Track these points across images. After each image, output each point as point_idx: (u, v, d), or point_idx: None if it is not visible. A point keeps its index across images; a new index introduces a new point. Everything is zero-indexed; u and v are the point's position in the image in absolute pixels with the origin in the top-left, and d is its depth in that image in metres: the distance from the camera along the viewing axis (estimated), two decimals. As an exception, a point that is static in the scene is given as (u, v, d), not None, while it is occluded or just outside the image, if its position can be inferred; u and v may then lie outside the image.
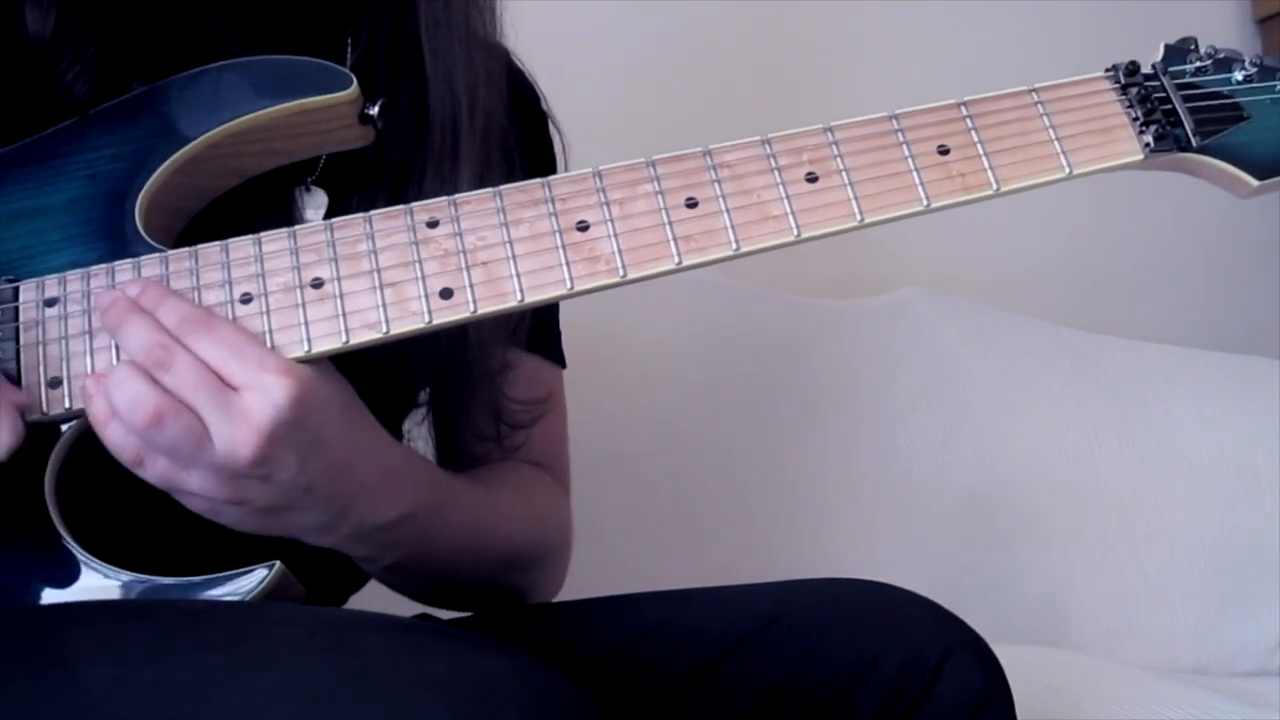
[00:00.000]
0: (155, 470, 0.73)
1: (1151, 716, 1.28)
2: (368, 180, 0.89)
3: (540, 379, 1.01)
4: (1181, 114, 0.81)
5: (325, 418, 0.74)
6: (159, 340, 0.72)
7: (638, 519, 1.48)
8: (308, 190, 0.89)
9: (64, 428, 0.76)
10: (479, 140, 0.91)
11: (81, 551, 0.75)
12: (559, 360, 1.04)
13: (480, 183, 0.84)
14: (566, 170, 1.02)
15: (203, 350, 0.72)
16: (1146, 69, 0.83)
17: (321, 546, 0.81)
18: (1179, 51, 0.83)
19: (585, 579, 1.03)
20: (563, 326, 1.05)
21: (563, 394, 1.05)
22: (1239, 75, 0.82)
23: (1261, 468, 1.79)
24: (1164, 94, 0.82)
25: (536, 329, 1.00)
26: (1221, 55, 0.83)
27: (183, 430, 0.70)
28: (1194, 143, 0.81)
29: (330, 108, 0.81)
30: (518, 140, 0.96)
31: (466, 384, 0.94)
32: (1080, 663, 1.45)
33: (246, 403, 0.71)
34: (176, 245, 0.81)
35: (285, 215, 0.86)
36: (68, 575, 0.75)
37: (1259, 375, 1.91)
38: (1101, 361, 1.84)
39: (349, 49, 0.91)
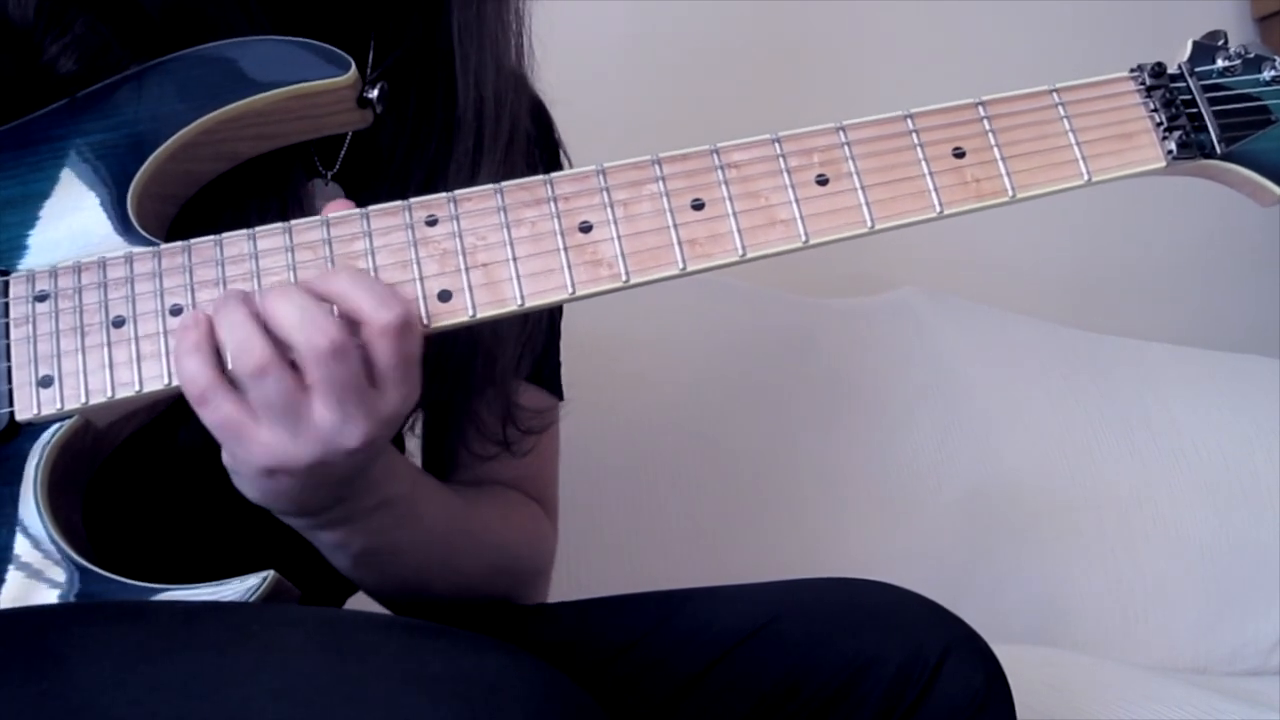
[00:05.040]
0: (221, 412, 0.71)
1: (1151, 716, 1.28)
2: (394, 180, 0.88)
3: (539, 408, 1.00)
4: (1207, 118, 0.78)
5: None
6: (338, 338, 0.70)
7: (636, 518, 1.47)
8: (326, 184, 0.89)
9: (56, 427, 0.75)
10: (505, 144, 0.91)
11: (74, 554, 0.74)
12: (558, 392, 1.03)
13: None
14: None
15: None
16: (1173, 69, 0.80)
17: (293, 528, 0.80)
18: (1206, 49, 0.80)
19: (585, 579, 1.03)
20: (563, 324, 1.04)
21: (558, 427, 1.04)
22: (1267, 75, 0.79)
23: (1261, 467, 1.78)
24: (1190, 96, 0.79)
25: (538, 360, 0.99)
26: (1252, 54, 0.79)
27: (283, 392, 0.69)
28: (1219, 150, 0.78)
29: (329, 92, 0.79)
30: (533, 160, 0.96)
31: (480, 389, 0.93)
32: (1080, 662, 1.44)
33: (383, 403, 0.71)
34: (171, 229, 0.80)
35: (295, 205, 0.86)
36: (59, 578, 0.73)
37: (1259, 375, 1.91)
38: (1101, 361, 1.84)
39: (371, 48, 0.90)
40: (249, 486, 0.74)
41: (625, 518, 1.46)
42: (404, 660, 0.61)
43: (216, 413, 0.70)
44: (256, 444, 0.70)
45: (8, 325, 0.76)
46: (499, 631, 0.84)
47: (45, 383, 0.75)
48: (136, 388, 0.74)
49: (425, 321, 0.75)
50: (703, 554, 1.47)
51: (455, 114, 0.89)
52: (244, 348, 0.69)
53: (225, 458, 0.73)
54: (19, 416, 0.75)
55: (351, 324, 0.70)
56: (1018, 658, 0.88)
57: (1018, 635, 1.55)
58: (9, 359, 0.75)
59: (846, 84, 1.90)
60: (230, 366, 0.70)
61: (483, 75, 0.90)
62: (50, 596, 0.73)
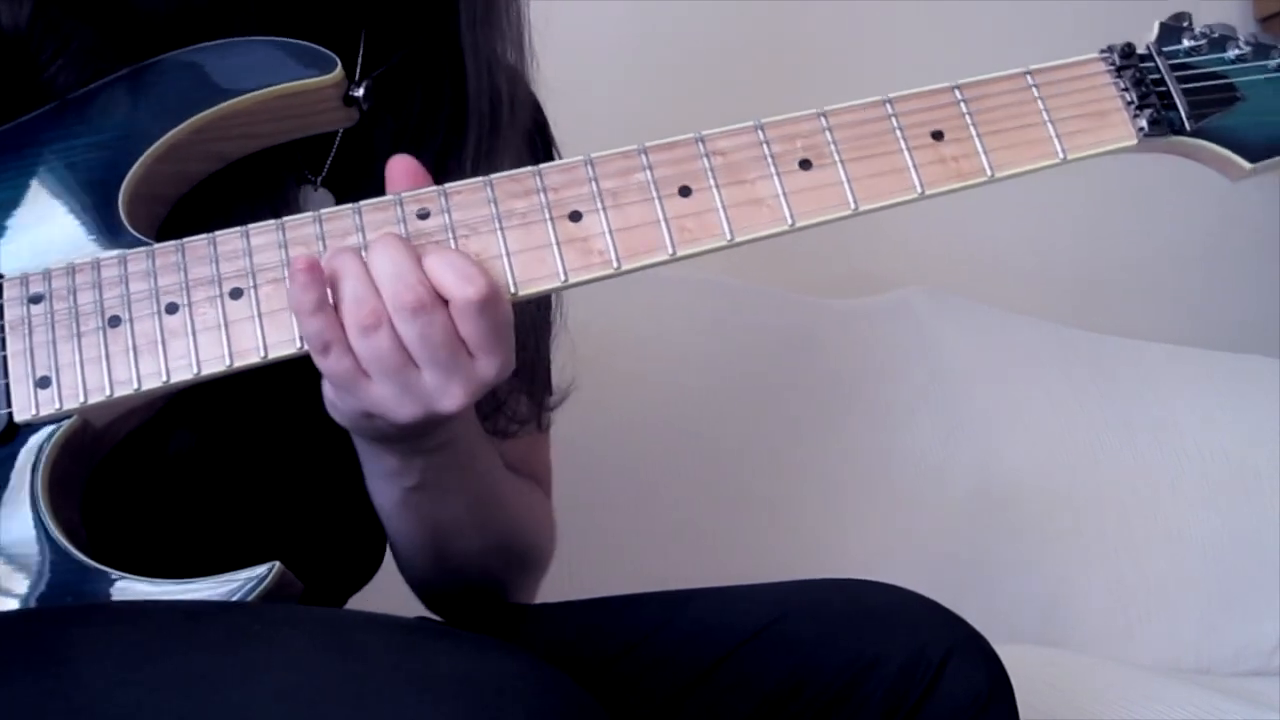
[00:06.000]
0: (341, 365, 0.73)
1: (1154, 716, 1.28)
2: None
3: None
4: (1175, 96, 0.80)
5: None
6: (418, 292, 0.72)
7: (638, 518, 1.47)
8: (315, 189, 0.89)
9: (54, 427, 0.75)
10: (520, 132, 0.91)
11: (75, 553, 0.74)
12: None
13: None
14: None
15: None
16: (1142, 49, 0.82)
17: (370, 437, 0.81)
18: (1173, 30, 0.82)
19: (586, 579, 1.02)
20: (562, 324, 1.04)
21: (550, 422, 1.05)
22: (1232, 54, 0.81)
23: (1262, 467, 1.78)
24: (1159, 75, 0.81)
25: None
26: (1216, 34, 0.81)
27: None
28: (1188, 126, 0.80)
29: (315, 91, 0.80)
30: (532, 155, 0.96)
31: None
32: (1082, 662, 1.44)
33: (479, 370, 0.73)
34: (161, 234, 0.80)
35: (285, 211, 0.85)
36: (61, 577, 0.73)
37: (1259, 375, 1.91)
38: (1101, 361, 1.84)
39: (361, 46, 0.90)
40: (343, 417, 0.77)
41: (625, 518, 1.46)
42: (406, 660, 0.61)
43: (337, 364, 0.73)
44: (367, 396, 0.73)
45: (3, 327, 0.76)
46: (500, 632, 0.84)
47: (43, 383, 0.75)
48: (135, 385, 0.74)
49: None
50: (703, 554, 1.47)
51: (466, 105, 0.89)
52: (358, 303, 0.71)
53: (328, 391, 0.76)
54: (18, 417, 0.75)
55: (440, 299, 0.72)
56: (1019, 658, 0.87)
57: (1019, 635, 1.55)
58: (6, 361, 0.75)
59: (846, 83, 1.88)
60: (344, 319, 0.72)
61: (494, 65, 0.90)
62: (52, 596, 0.73)
